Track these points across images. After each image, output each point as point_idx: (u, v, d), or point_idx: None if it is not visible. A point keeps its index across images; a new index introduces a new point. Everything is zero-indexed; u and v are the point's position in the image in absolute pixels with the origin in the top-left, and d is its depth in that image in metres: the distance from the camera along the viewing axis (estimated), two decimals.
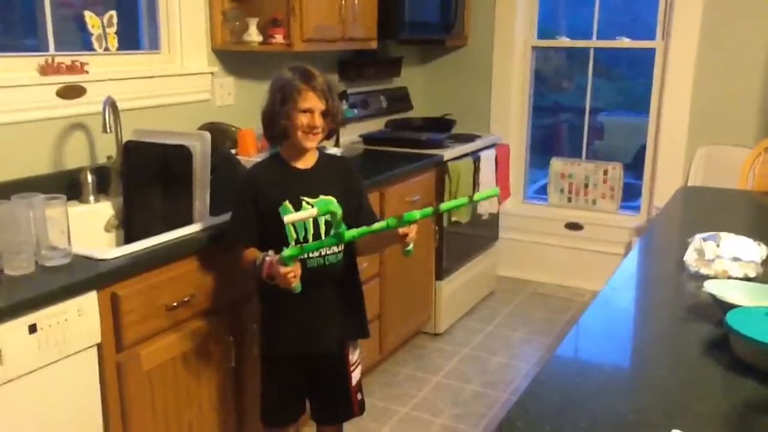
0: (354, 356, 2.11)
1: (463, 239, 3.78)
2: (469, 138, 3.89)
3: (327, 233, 1.92)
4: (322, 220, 1.91)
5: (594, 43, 4.29)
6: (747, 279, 1.69)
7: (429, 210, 1.73)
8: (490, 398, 3.05)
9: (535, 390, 1.23)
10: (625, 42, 4.22)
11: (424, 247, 3.44)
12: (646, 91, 4.16)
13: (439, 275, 3.59)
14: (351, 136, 3.71)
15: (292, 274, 1.75)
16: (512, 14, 4.27)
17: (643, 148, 4.23)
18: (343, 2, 3.10)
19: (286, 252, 1.71)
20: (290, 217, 1.66)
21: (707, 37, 3.80)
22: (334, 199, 1.88)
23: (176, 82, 2.78)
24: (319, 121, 1.90)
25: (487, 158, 3.78)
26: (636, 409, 1.15)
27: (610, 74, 5.18)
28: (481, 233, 4.02)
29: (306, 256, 1.89)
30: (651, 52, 4.07)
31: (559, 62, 5.20)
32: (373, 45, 3.42)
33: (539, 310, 4.04)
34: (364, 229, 1.72)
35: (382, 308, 3.10)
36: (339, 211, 1.65)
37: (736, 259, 1.74)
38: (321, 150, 2.02)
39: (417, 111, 4.42)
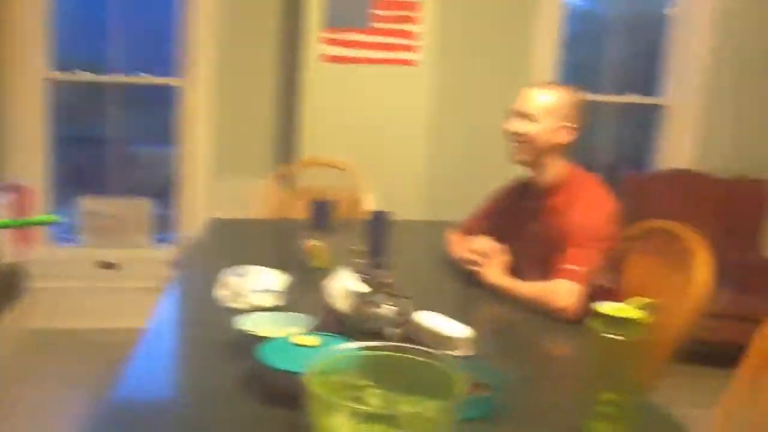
0: None
1: None
2: None
3: None
4: None
5: (115, 78, 4.24)
6: (274, 309, 1.82)
7: None
8: None
9: None
10: (146, 78, 4.27)
11: None
12: (173, 122, 4.25)
13: None
14: None
15: None
16: (22, 45, 3.94)
17: (172, 180, 4.31)
18: None
19: None
20: None
21: (222, 76, 4.09)
22: None
23: None
24: None
25: None
26: None
27: (137, 106, 5.15)
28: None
29: None
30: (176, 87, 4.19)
31: (83, 95, 4.97)
32: None
33: (78, 358, 3.78)
34: None
35: None
36: None
37: (261, 291, 1.87)
38: None
39: None
